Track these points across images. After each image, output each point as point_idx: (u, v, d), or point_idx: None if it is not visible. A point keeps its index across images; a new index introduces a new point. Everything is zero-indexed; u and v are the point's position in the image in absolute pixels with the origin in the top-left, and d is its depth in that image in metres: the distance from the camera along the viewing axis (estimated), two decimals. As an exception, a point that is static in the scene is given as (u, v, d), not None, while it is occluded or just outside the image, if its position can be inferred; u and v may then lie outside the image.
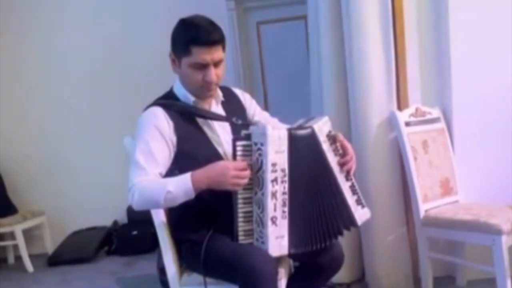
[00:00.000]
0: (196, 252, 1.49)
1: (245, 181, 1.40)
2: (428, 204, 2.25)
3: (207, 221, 1.52)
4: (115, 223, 3.96)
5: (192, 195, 1.42)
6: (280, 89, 4.06)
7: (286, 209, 1.43)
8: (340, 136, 1.57)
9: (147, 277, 3.00)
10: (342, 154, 1.56)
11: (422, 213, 2.21)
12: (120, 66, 3.91)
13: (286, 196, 1.43)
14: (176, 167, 1.53)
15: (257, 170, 1.41)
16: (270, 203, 1.40)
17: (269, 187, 1.39)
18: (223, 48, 1.55)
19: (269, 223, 1.39)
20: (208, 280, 1.50)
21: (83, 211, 3.97)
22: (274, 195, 1.40)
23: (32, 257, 3.60)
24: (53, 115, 4.02)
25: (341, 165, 1.54)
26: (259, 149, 1.40)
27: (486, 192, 2.34)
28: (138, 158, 1.49)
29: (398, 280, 2.40)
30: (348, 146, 1.58)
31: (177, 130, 1.53)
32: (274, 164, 1.40)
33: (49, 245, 3.86)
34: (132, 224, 3.78)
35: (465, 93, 2.36)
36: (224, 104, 1.67)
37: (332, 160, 1.53)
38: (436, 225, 2.15)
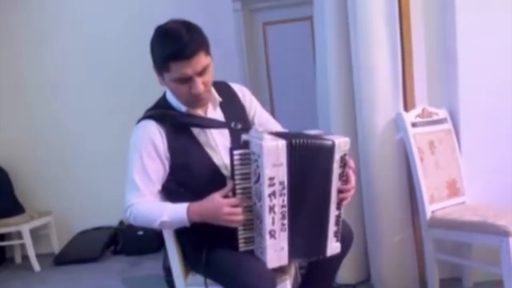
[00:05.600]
0: (199, 257, 1.50)
1: (240, 218, 1.37)
2: (435, 205, 2.24)
3: (211, 226, 1.48)
4: (121, 223, 3.97)
5: (187, 224, 1.43)
6: (286, 90, 4.06)
7: (285, 221, 1.37)
8: (352, 164, 1.49)
9: (153, 277, 3.00)
10: (345, 181, 1.47)
11: (428, 214, 2.20)
12: (128, 67, 3.92)
13: (285, 209, 1.37)
14: (173, 179, 1.53)
15: (255, 180, 1.36)
16: (268, 217, 1.35)
17: (267, 201, 1.34)
18: (206, 52, 1.46)
19: (267, 236, 1.36)
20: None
21: (90, 211, 3.99)
22: (272, 209, 1.35)
23: (39, 256, 3.62)
24: (60, 115, 4.04)
25: (340, 191, 1.46)
26: (256, 160, 1.33)
27: (493, 193, 2.32)
28: (135, 177, 1.49)
29: (404, 281, 2.39)
30: (353, 177, 1.50)
31: (171, 144, 1.50)
32: (271, 178, 1.32)
33: (56, 245, 3.88)
34: (138, 224, 3.79)
35: (472, 94, 2.35)
36: (223, 106, 1.61)
37: (335, 183, 1.44)
38: (443, 226, 2.14)
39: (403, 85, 2.36)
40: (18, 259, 3.89)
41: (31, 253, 3.56)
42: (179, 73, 1.42)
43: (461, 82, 2.34)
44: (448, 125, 2.39)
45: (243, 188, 1.38)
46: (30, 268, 3.56)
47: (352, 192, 1.49)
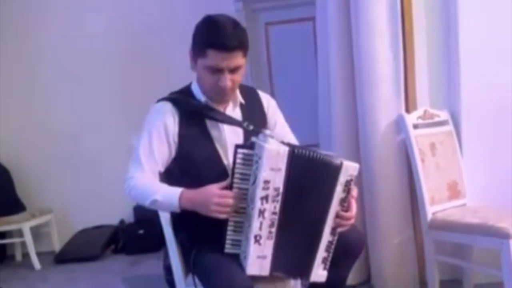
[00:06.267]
0: (189, 254, 1.51)
1: (228, 209, 1.34)
2: (436, 207, 2.24)
3: (205, 224, 1.46)
4: (122, 222, 3.98)
5: (176, 210, 1.43)
6: (288, 90, 4.05)
7: (273, 229, 1.34)
8: (355, 192, 1.45)
9: (153, 276, 3.00)
10: (346, 208, 1.42)
11: (429, 216, 2.20)
12: (131, 66, 3.93)
13: (276, 217, 1.34)
14: (176, 167, 1.53)
15: (252, 182, 1.34)
16: (256, 221, 1.32)
17: (258, 204, 1.31)
18: (244, 54, 1.47)
19: (252, 241, 1.33)
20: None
21: (90, 209, 3.99)
22: (262, 213, 1.32)
23: (39, 254, 3.63)
24: (61, 114, 4.04)
25: (338, 216, 1.40)
26: (257, 161, 1.31)
27: (494, 195, 2.32)
28: (140, 153, 1.51)
29: (404, 283, 2.39)
30: (354, 207, 1.44)
31: (182, 131, 1.51)
32: (266, 182, 1.30)
33: (56, 243, 3.89)
34: (138, 223, 3.80)
35: (474, 96, 2.35)
36: (243, 108, 1.61)
37: (335, 206, 1.39)
38: (443, 228, 2.14)
39: (405, 87, 2.36)
40: (18, 257, 3.89)
41: (32, 251, 3.56)
42: (213, 62, 1.44)
43: (463, 84, 2.35)
44: (449, 127, 2.40)
45: (240, 188, 1.36)
46: (30, 266, 3.56)
47: (351, 221, 1.44)
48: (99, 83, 3.99)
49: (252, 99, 1.65)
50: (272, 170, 1.30)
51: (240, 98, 1.60)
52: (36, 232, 3.75)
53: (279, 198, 1.33)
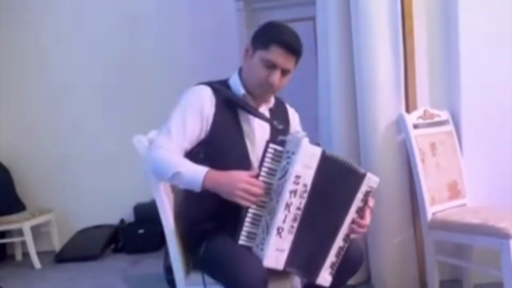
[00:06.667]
0: (198, 250, 1.49)
1: (253, 198, 1.36)
2: (436, 207, 2.24)
3: (215, 215, 1.50)
4: (122, 221, 3.97)
5: (197, 189, 1.41)
6: (288, 90, 4.05)
7: (295, 225, 1.38)
8: (372, 203, 1.51)
9: (154, 275, 3.00)
10: (361, 217, 1.47)
11: (429, 216, 2.20)
12: (132, 66, 3.93)
13: (300, 212, 1.38)
14: (202, 150, 1.53)
15: (280, 177, 1.38)
16: (282, 213, 1.36)
17: (286, 197, 1.35)
18: (297, 62, 1.57)
19: (274, 232, 1.36)
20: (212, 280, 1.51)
21: (91, 209, 3.99)
22: (288, 206, 1.36)
23: (39, 254, 3.62)
24: (62, 113, 4.05)
25: (353, 223, 1.45)
26: (289, 157, 1.36)
27: (494, 196, 2.32)
28: (172, 126, 1.50)
29: (404, 283, 2.39)
30: (369, 217, 1.50)
31: (216, 115, 1.53)
32: (298, 176, 1.35)
33: (57, 243, 3.89)
34: (138, 222, 3.80)
35: (474, 96, 2.35)
36: (272, 112, 1.67)
37: (352, 212, 1.45)
38: (443, 228, 2.14)
39: (405, 87, 2.36)
40: (18, 256, 3.89)
41: (32, 250, 3.56)
42: (273, 57, 1.50)
43: (463, 84, 2.35)
44: (449, 127, 2.40)
45: (265, 182, 1.39)
46: (30, 265, 3.56)
47: (364, 230, 1.48)
48: (99, 83, 3.99)
49: (280, 107, 1.72)
50: (304, 167, 1.36)
51: (272, 103, 1.67)
52: (36, 231, 3.74)
53: (306, 195, 1.37)
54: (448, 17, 2.39)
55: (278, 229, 1.36)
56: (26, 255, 3.70)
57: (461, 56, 2.33)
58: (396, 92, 2.33)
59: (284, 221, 1.36)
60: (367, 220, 1.49)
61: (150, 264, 3.36)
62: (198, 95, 1.55)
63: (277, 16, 4.07)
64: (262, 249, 1.38)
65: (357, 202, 1.45)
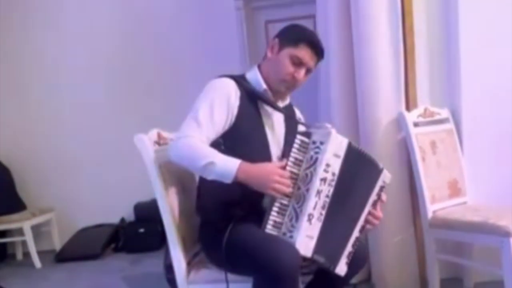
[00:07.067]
0: (219, 239, 1.47)
1: (286, 189, 1.39)
2: (436, 205, 2.24)
3: (236, 208, 1.49)
4: (123, 220, 3.98)
5: (228, 180, 1.41)
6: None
7: (324, 212, 1.41)
8: (384, 198, 1.56)
9: (154, 274, 3.01)
10: (375, 210, 1.54)
11: (429, 214, 2.20)
12: (133, 64, 3.93)
13: (328, 200, 1.42)
14: (224, 142, 1.54)
15: (307, 166, 1.41)
16: (312, 200, 1.39)
17: (317, 184, 1.39)
18: (316, 64, 1.64)
19: (305, 218, 1.38)
20: (219, 278, 1.50)
21: (91, 208, 3.99)
22: (319, 193, 1.40)
23: (40, 253, 3.63)
24: (62, 113, 4.05)
25: (369, 214, 1.52)
26: (317, 147, 1.41)
27: (494, 194, 2.32)
28: (200, 115, 1.50)
29: (405, 281, 2.39)
30: (380, 213, 1.56)
31: (241, 107, 1.55)
32: (328, 165, 1.40)
33: (57, 242, 3.89)
34: (139, 221, 3.80)
35: (475, 94, 2.35)
36: (286, 109, 1.70)
37: (370, 204, 1.51)
38: (444, 226, 2.14)
39: (405, 85, 2.36)
40: (19, 255, 3.89)
41: (33, 250, 3.56)
42: (301, 55, 1.57)
43: (463, 82, 2.35)
44: (450, 125, 2.39)
45: (291, 172, 1.42)
46: (31, 265, 3.57)
47: (378, 222, 1.54)
48: (100, 82, 3.98)
49: (290, 107, 1.77)
50: (334, 156, 1.42)
51: (287, 101, 1.73)
52: (37, 231, 3.75)
53: (334, 183, 1.42)
54: (448, 15, 2.39)
55: (308, 215, 1.39)
56: (26, 254, 3.70)
57: (461, 54, 2.33)
58: (397, 90, 2.32)
59: (314, 208, 1.40)
60: (381, 213, 1.55)
61: (150, 263, 3.36)
62: (225, 86, 1.56)
63: (277, 14, 4.06)
64: (291, 237, 1.39)
65: (374, 194, 1.50)
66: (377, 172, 1.51)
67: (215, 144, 1.52)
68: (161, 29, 3.88)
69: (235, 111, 1.55)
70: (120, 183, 3.85)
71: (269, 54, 1.64)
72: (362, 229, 1.51)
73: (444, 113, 2.40)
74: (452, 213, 2.17)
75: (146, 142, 1.60)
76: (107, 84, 3.98)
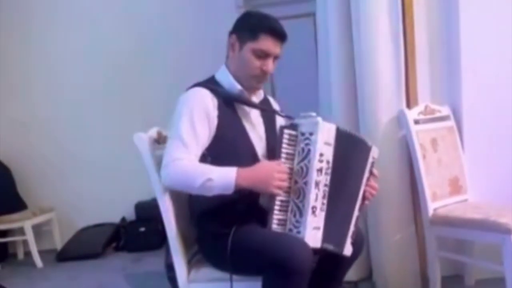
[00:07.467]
0: (221, 246, 1.45)
1: (285, 185, 1.39)
2: (437, 202, 2.23)
3: (233, 212, 1.49)
4: (123, 219, 3.98)
5: (230, 190, 1.40)
6: (288, 87, 4.05)
7: (325, 201, 1.42)
8: (376, 172, 1.60)
9: (155, 273, 3.01)
10: (370, 185, 1.58)
11: (430, 212, 2.20)
12: (133, 64, 3.93)
13: (327, 189, 1.43)
14: (209, 153, 1.51)
15: (301, 159, 1.40)
16: (313, 192, 1.39)
17: (314, 176, 1.39)
18: (281, 48, 1.58)
19: (309, 211, 1.38)
20: (220, 277, 1.50)
21: (92, 207, 3.99)
22: (317, 184, 1.39)
23: (41, 252, 3.63)
24: (63, 111, 4.05)
25: (365, 190, 1.55)
26: (307, 138, 1.40)
27: (495, 191, 2.31)
28: (184, 134, 1.46)
29: (406, 279, 2.39)
30: (376, 185, 1.60)
31: (220, 116, 1.52)
32: (321, 154, 1.40)
33: (58, 241, 3.89)
34: (140, 220, 3.80)
35: (475, 91, 2.34)
36: (262, 104, 1.68)
37: (364, 182, 1.54)
38: (445, 224, 2.14)
39: (406, 82, 2.35)
40: (20, 255, 3.90)
41: (34, 249, 3.57)
42: (264, 46, 1.52)
43: (464, 80, 2.34)
44: (450, 123, 2.39)
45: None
46: (32, 264, 3.57)
47: (375, 192, 1.59)
48: (100, 82, 3.99)
49: (266, 100, 1.74)
50: (325, 144, 1.42)
51: (261, 94, 1.68)
52: (38, 230, 3.75)
53: (329, 171, 1.43)
54: (449, 12, 2.38)
55: (312, 208, 1.39)
56: (27, 254, 3.71)
57: (462, 52, 2.33)
58: (397, 87, 2.32)
59: (316, 200, 1.40)
60: (376, 185, 1.59)
61: (151, 262, 3.36)
62: (200, 99, 1.51)
63: (277, 12, 4.03)
64: (298, 232, 1.39)
65: (367, 172, 1.53)
66: (367, 150, 1.53)
67: (201, 158, 1.51)
68: (161, 29, 3.88)
69: (215, 121, 1.51)
70: (120, 182, 3.85)
71: (231, 54, 1.59)
72: (361, 207, 1.55)
73: (445, 110, 2.40)
74: (453, 211, 2.17)
75: (145, 140, 1.60)
76: (107, 84, 3.98)
